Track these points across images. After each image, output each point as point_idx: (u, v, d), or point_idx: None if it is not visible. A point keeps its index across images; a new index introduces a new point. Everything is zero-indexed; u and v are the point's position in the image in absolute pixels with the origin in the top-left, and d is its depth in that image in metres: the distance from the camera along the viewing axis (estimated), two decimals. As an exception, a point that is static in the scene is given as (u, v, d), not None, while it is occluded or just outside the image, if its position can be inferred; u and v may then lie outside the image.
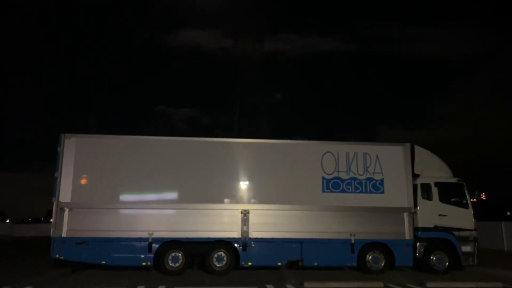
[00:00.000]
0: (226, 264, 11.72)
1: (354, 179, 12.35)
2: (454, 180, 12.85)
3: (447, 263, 12.28)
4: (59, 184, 11.44)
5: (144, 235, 11.41)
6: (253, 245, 11.70)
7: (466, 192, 12.74)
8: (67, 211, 11.33)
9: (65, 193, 11.41)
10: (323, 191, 12.19)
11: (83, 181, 11.66)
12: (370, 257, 12.11)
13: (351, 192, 12.27)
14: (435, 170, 12.94)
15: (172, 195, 11.89)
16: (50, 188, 11.57)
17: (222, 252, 11.75)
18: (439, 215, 12.46)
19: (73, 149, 11.73)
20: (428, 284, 10.16)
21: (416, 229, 12.29)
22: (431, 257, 12.28)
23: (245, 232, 11.69)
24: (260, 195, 12.07)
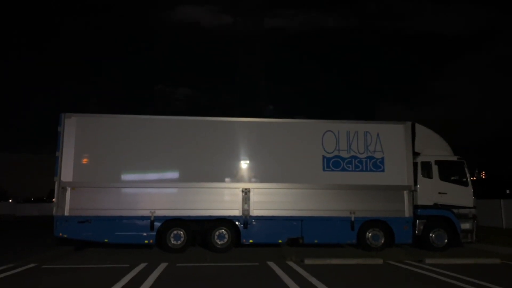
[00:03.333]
0: (227, 241, 11.85)
1: (355, 157, 12.37)
2: (454, 158, 12.86)
3: (446, 240, 12.40)
4: (61, 164, 11.48)
5: (146, 213, 11.51)
6: (254, 223, 11.81)
7: (466, 170, 12.76)
8: (69, 190, 11.40)
9: (66, 173, 11.47)
10: (323, 169, 12.23)
11: (85, 161, 11.70)
12: (370, 234, 12.23)
13: (352, 170, 12.31)
14: (435, 148, 12.94)
15: (174, 174, 11.95)
16: (52, 167, 11.62)
17: (223, 230, 11.87)
18: (439, 193, 12.52)
19: (73, 129, 11.72)
20: (427, 261, 10.29)
21: (415, 207, 12.37)
22: (431, 234, 12.39)
23: (246, 210, 11.78)
24: (261, 174, 12.11)
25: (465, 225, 12.44)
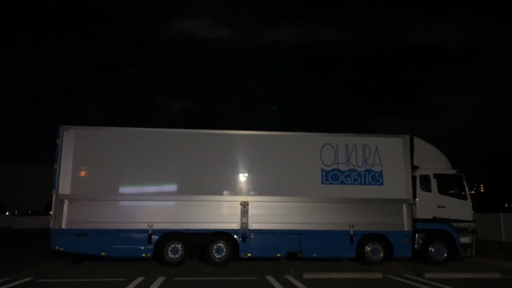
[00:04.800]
0: (225, 255, 11.76)
1: (353, 170, 12.37)
2: (453, 171, 12.87)
3: (445, 254, 12.33)
4: (58, 176, 11.45)
5: (144, 226, 11.44)
6: (252, 236, 11.74)
7: (464, 183, 12.76)
8: (66, 203, 11.36)
9: (64, 185, 11.43)
10: (322, 182, 12.21)
11: (82, 173, 11.67)
12: (369, 248, 12.16)
13: (350, 183, 12.29)
14: (434, 161, 12.95)
15: (172, 186, 11.91)
16: (49, 179, 11.59)
17: (221, 244, 11.79)
18: (438, 206, 12.50)
19: (72, 141, 11.72)
20: (427, 275, 10.22)
21: (414, 221, 12.33)
22: (430, 248, 12.33)
23: (244, 224, 11.73)
24: (259, 187, 12.08)
25: (465, 239, 12.38)
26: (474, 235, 12.51)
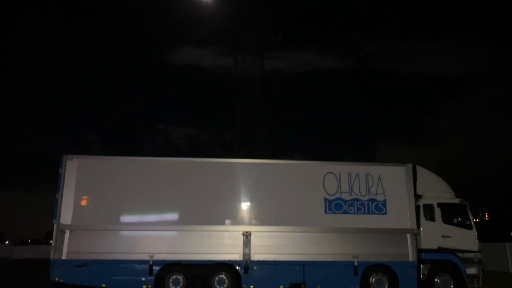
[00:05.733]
0: (227, 287, 11.55)
1: (357, 200, 12.30)
2: (456, 201, 12.77)
3: (451, 286, 12.09)
4: (60, 206, 11.40)
5: (145, 257, 11.30)
6: (255, 267, 11.56)
7: (469, 213, 12.65)
8: (67, 233, 11.26)
9: (66, 215, 11.36)
10: (325, 212, 12.12)
11: (84, 203, 11.61)
12: (374, 279, 11.94)
13: (354, 213, 12.20)
14: (437, 190, 12.88)
15: (173, 216, 11.83)
16: (50, 208, 11.55)
17: (223, 275, 11.60)
18: (443, 236, 12.34)
19: (74, 170, 11.72)
20: (433, 308, 9.99)
21: (419, 251, 12.16)
22: (436, 279, 12.10)
23: (246, 255, 11.57)
24: (262, 216, 11.98)
25: (471, 270, 12.16)
26: (481, 265, 12.29)
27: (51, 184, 11.72)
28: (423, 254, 12.14)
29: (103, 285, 11.16)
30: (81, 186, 11.65)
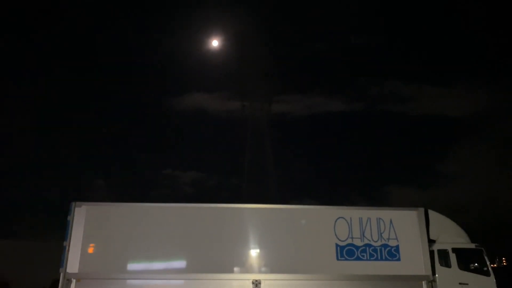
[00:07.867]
0: None
1: (369, 245, 11.99)
2: (472, 245, 12.40)
3: (472, 337, 11.51)
4: (67, 254, 11.21)
5: (152, 307, 10.95)
6: (265, 318, 11.12)
7: (486, 258, 12.23)
8: (74, 282, 11.01)
9: (73, 263, 11.15)
10: (337, 258, 11.79)
11: (91, 250, 11.43)
12: (390, 330, 11.41)
13: (366, 259, 11.85)
14: (451, 235, 12.56)
15: (180, 264, 11.55)
16: (54, 256, 11.33)
17: (233, 326, 11.16)
18: (460, 283, 11.89)
19: (82, 218, 11.61)
20: None
21: (436, 299, 11.69)
22: (455, 330, 11.54)
23: (257, 304, 11.18)
24: (272, 264, 11.67)
25: (492, 319, 11.61)
26: (502, 314, 11.75)
27: (54, 231, 11.59)
28: (440, 303, 11.65)
29: (109, 338, 10.78)
30: (89, 233, 11.51)
